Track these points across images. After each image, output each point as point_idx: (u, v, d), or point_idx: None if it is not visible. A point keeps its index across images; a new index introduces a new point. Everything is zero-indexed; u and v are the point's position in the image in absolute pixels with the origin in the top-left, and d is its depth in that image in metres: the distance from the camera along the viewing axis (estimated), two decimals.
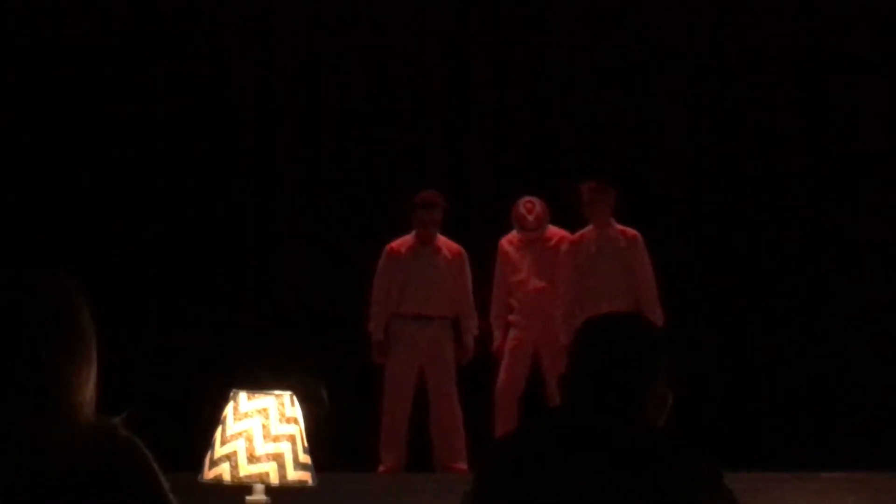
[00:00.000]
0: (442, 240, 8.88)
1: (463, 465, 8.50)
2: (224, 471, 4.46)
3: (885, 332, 9.90)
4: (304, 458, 4.53)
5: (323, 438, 5.26)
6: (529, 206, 8.93)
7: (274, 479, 4.47)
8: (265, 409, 4.53)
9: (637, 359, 2.86)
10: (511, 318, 8.99)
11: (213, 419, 4.60)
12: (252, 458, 4.45)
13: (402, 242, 8.87)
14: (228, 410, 4.56)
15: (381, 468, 8.66)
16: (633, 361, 2.85)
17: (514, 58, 10.30)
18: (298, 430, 4.56)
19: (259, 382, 4.81)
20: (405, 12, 10.22)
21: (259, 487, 4.51)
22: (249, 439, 4.47)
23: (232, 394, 4.60)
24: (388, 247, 8.87)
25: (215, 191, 9.91)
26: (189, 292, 9.65)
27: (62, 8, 10.04)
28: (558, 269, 8.92)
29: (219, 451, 4.50)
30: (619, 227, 8.94)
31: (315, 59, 10.30)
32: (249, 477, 4.46)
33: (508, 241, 9.04)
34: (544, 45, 10.30)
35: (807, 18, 10.34)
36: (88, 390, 2.57)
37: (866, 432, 9.62)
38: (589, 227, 8.94)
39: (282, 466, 4.46)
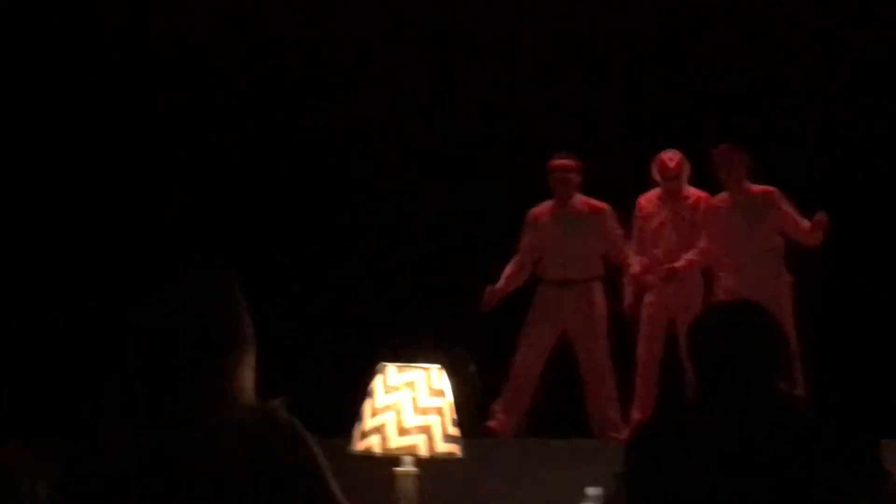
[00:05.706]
0: (582, 200, 8.85)
1: (618, 435, 8.43)
2: (374, 443, 4.53)
3: None
4: (453, 431, 4.58)
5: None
6: (672, 154, 8.88)
7: (423, 451, 4.53)
8: (413, 382, 4.59)
9: (763, 346, 2.88)
10: (647, 278, 8.90)
11: (359, 391, 4.68)
12: (402, 431, 4.51)
13: (543, 208, 8.88)
14: (377, 383, 4.62)
15: (490, 424, 8.63)
16: (759, 349, 2.87)
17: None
18: (447, 402, 4.61)
19: (405, 355, 4.87)
20: None
21: (408, 459, 4.57)
22: (398, 412, 4.54)
23: (380, 367, 4.67)
24: (529, 212, 8.88)
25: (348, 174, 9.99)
26: (335, 269, 9.75)
27: None
28: (696, 228, 8.83)
29: (368, 423, 4.56)
30: (755, 186, 8.75)
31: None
32: (399, 449, 4.52)
33: (647, 199, 8.98)
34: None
35: None
36: (248, 376, 2.78)
37: None
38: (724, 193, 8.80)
39: (431, 439, 4.51)
